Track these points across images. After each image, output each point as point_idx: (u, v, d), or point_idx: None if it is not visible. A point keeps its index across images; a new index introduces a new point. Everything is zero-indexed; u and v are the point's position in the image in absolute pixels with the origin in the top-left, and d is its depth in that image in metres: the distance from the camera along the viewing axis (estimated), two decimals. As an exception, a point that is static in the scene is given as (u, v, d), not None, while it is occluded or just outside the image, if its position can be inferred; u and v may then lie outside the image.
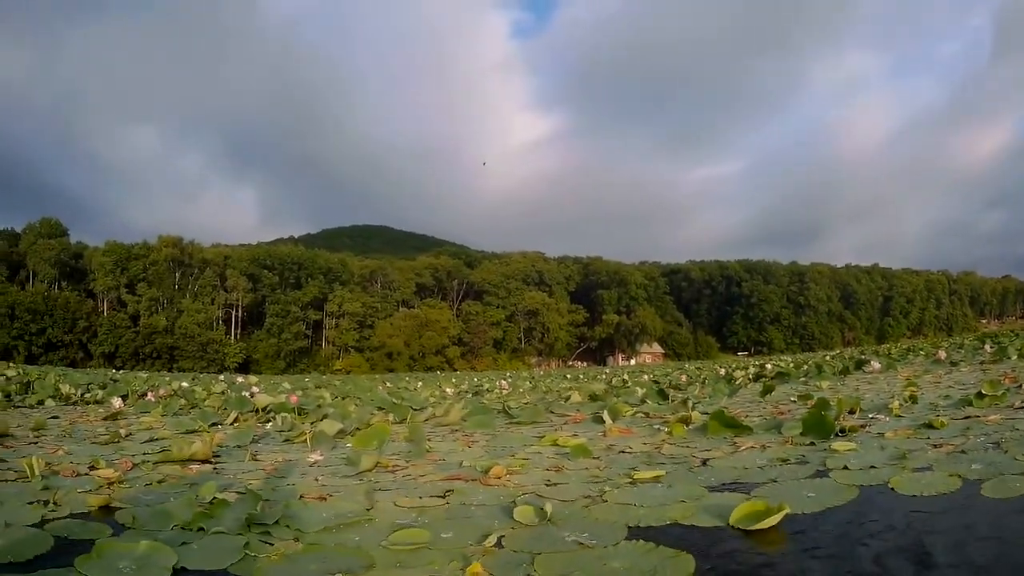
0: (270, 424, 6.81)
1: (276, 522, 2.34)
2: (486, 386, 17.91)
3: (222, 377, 31.25)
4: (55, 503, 2.64)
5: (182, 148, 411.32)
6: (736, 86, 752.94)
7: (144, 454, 4.36)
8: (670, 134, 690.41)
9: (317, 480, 3.36)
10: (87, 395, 11.29)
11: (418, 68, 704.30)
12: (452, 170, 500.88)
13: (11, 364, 33.17)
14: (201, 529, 2.25)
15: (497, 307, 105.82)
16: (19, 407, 9.33)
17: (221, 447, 4.73)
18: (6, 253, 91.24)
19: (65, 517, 2.46)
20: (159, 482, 3.29)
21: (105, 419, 7.43)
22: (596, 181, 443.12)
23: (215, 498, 2.67)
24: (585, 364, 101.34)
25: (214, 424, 6.80)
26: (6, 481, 3.21)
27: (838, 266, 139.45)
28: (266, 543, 2.15)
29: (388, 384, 21.55)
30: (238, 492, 2.88)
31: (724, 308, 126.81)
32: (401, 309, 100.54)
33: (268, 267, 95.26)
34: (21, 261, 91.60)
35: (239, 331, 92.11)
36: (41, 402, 10.01)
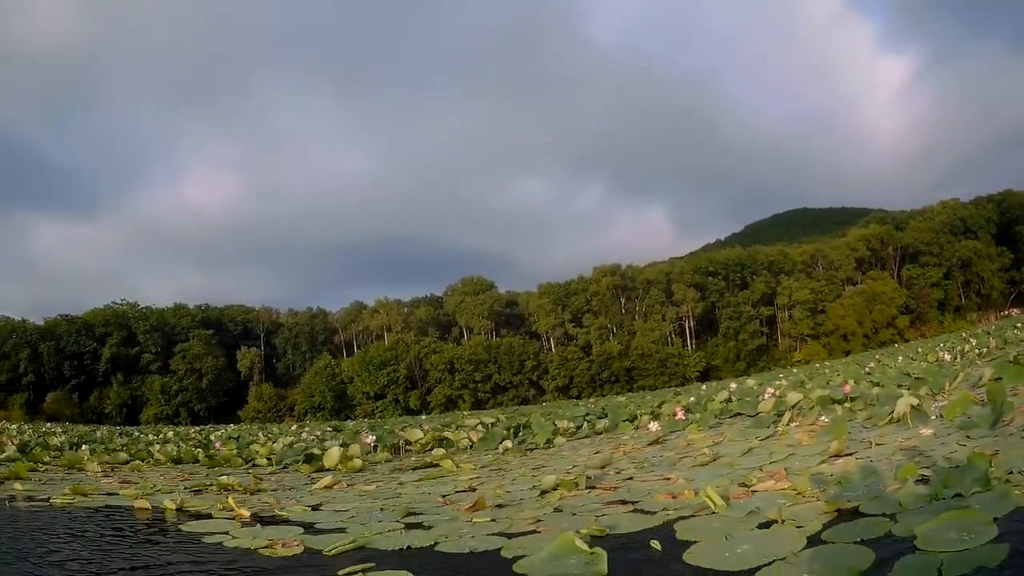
0: (823, 418, 7.02)
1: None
2: (964, 347, 18.40)
3: (703, 387, 32.03)
4: (781, 520, 2.90)
5: (575, 188, 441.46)
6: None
7: (772, 463, 4.67)
8: (1017, 37, 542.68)
9: (963, 446, 4.02)
10: (596, 426, 11.37)
11: (765, 50, 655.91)
12: (838, 137, 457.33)
13: (461, 412, 37.72)
14: (958, 495, 2.71)
15: (934, 266, 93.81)
16: (531, 448, 9.42)
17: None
18: (433, 316, 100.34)
19: (821, 531, 2.66)
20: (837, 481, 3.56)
21: (650, 445, 7.61)
22: (970, 107, 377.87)
23: (922, 475, 3.27)
24: (1018, 311, 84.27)
25: (772, 425, 7.13)
26: (684, 518, 3.29)
27: None
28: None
29: (871, 365, 21.92)
30: (926, 468, 3.46)
31: None
32: (847, 288, 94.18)
33: (712, 273, 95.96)
34: (450, 320, 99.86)
35: (694, 341, 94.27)
36: (549, 440, 9.88)
